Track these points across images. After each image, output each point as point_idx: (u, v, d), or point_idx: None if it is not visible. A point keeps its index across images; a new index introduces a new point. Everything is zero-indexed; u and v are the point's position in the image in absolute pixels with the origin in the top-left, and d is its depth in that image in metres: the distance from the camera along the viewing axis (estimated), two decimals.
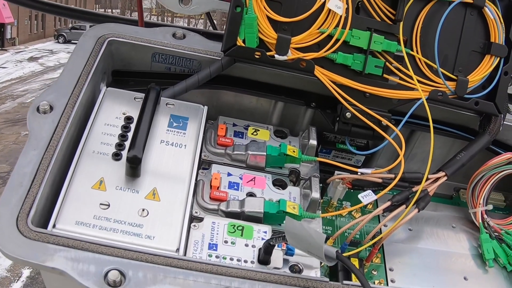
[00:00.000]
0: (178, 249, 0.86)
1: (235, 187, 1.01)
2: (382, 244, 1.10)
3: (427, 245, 1.14)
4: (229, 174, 1.02)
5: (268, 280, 0.83)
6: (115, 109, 1.00)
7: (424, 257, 1.11)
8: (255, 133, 1.10)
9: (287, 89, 1.11)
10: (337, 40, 1.03)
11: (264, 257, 0.90)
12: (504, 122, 1.15)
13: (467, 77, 1.09)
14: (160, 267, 0.81)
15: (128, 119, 0.98)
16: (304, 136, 1.11)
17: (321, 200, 1.11)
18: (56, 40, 24.22)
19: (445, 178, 1.06)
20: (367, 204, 1.11)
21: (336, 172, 1.08)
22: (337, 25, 1.03)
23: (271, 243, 0.87)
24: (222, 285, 0.81)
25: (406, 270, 1.08)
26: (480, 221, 1.16)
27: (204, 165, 1.04)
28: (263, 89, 1.11)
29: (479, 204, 1.16)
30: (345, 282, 0.85)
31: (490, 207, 1.17)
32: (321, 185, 1.08)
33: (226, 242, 0.92)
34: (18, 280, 4.15)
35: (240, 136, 1.09)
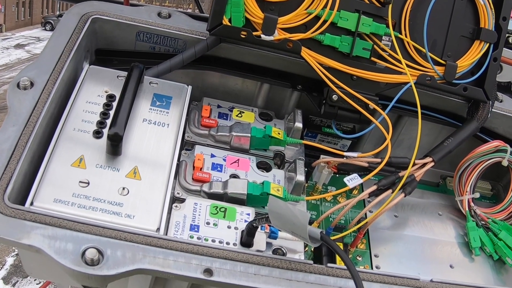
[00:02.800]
0: (158, 229, 0.84)
1: (219, 169, 0.99)
2: (368, 230, 1.08)
3: (413, 232, 1.12)
4: (212, 156, 1.00)
5: (250, 261, 0.81)
6: (97, 87, 0.97)
7: (410, 244, 1.10)
8: (240, 115, 1.08)
9: (273, 71, 1.09)
10: (324, 21, 1.01)
11: (247, 239, 0.88)
12: (493, 110, 1.14)
13: (456, 62, 1.08)
14: (139, 246, 0.79)
15: (110, 97, 0.96)
16: (289, 119, 1.09)
17: (306, 185, 1.10)
18: (43, 28, 23.66)
19: (432, 163, 1.04)
20: (353, 188, 1.10)
21: (322, 156, 1.06)
22: (325, 6, 1.01)
23: (254, 224, 0.86)
24: (203, 266, 0.79)
25: (391, 256, 1.07)
26: (467, 209, 1.15)
27: (187, 146, 1.02)
28: (249, 71, 1.09)
29: (466, 192, 1.15)
30: (329, 264, 0.83)
31: (477, 195, 1.16)
32: (306, 169, 1.06)
33: (208, 223, 0.90)
34: (1, 268, 4.10)
35: (225, 117, 1.07)
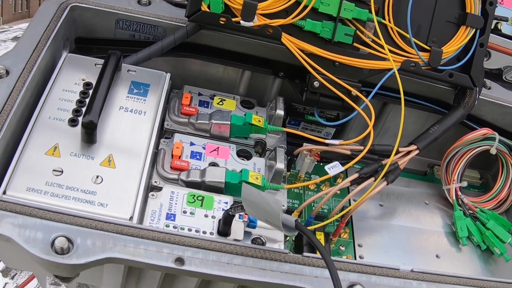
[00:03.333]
0: (131, 217, 0.83)
1: (198, 157, 0.98)
2: (352, 220, 1.07)
3: (398, 221, 1.11)
4: (191, 144, 0.99)
5: (224, 250, 0.79)
6: (75, 75, 0.96)
7: (395, 234, 1.08)
8: (221, 103, 1.06)
9: (255, 58, 1.08)
10: (305, 7, 0.99)
11: (224, 228, 0.87)
12: (481, 97, 1.11)
13: (442, 48, 1.05)
14: (110, 235, 0.77)
15: (87, 85, 0.95)
16: (271, 107, 1.07)
17: (288, 173, 1.08)
18: None
19: (417, 151, 1.02)
20: (337, 177, 1.08)
21: (305, 144, 1.04)
22: None
23: (230, 213, 0.84)
24: (174, 254, 0.77)
25: (376, 246, 1.05)
26: (454, 198, 1.13)
27: (167, 134, 1.01)
28: (230, 58, 1.07)
29: (453, 180, 1.13)
30: (305, 254, 0.82)
31: (465, 183, 1.14)
32: (288, 157, 1.05)
33: (185, 212, 0.89)
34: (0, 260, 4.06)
35: (206, 105, 1.05)
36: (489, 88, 1.16)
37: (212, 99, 1.07)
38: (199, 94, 1.07)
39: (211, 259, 0.78)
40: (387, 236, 1.07)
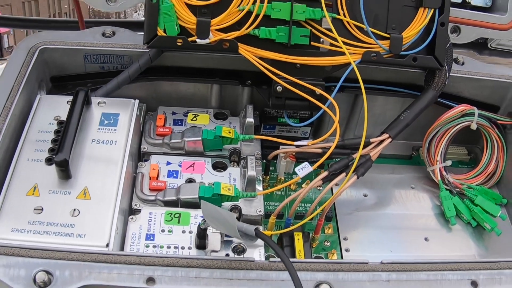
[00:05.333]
0: (108, 244, 0.88)
1: (174, 175, 1.02)
2: (335, 214, 1.09)
3: (384, 209, 1.12)
4: (168, 163, 1.04)
5: (191, 265, 0.83)
6: (49, 115, 1.02)
7: (381, 222, 1.10)
8: (194, 119, 1.10)
9: (221, 71, 1.11)
10: (257, 16, 1.01)
11: (199, 241, 0.91)
12: (454, 74, 1.11)
13: (402, 33, 1.05)
14: (85, 264, 0.83)
15: (61, 123, 1.01)
16: (243, 115, 1.10)
17: (267, 177, 1.11)
18: None
19: (389, 140, 1.03)
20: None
21: (281, 146, 1.07)
22: (256, 1, 1.01)
23: (201, 226, 0.88)
24: (145, 275, 0.82)
25: (361, 237, 1.07)
26: (439, 178, 1.13)
27: (145, 157, 1.06)
28: (198, 75, 1.11)
29: (437, 161, 1.13)
30: (271, 259, 0.85)
31: (449, 162, 1.14)
32: (265, 161, 1.08)
33: (163, 231, 0.93)
34: None
35: (180, 123, 1.10)
36: (462, 64, 1.15)
37: (186, 116, 1.11)
38: (173, 113, 1.11)
39: (179, 275, 0.82)
40: (372, 226, 1.09)
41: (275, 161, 1.11)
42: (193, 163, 1.04)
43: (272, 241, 0.83)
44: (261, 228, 0.98)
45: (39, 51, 1.07)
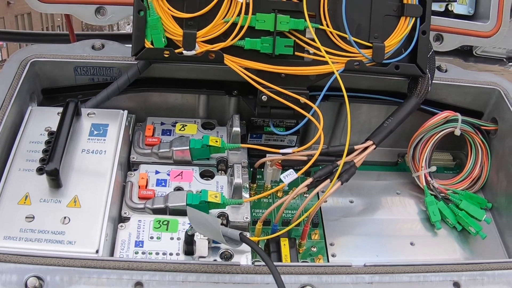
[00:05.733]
0: (97, 250, 0.90)
1: (163, 184, 1.04)
2: (321, 220, 1.11)
3: (370, 215, 1.14)
4: (157, 172, 1.06)
5: (178, 270, 0.85)
6: (40, 126, 1.04)
7: (367, 228, 1.11)
8: (182, 129, 1.13)
9: (208, 82, 1.14)
10: (242, 27, 1.04)
11: (187, 247, 0.93)
12: (437, 81, 1.13)
13: (384, 42, 1.08)
14: (76, 269, 0.85)
15: (51, 134, 1.03)
16: (230, 125, 1.13)
17: (254, 185, 1.13)
18: None
19: (373, 147, 1.05)
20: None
21: (267, 155, 1.09)
22: (240, 12, 1.04)
23: (188, 233, 0.90)
24: (133, 279, 0.84)
25: (348, 243, 1.09)
26: (424, 183, 1.15)
27: (135, 166, 1.08)
28: (185, 85, 1.14)
29: (421, 167, 1.15)
30: (256, 263, 0.87)
31: (434, 168, 1.16)
32: (251, 169, 1.10)
33: (152, 238, 0.95)
34: None
35: (168, 133, 1.12)
36: (446, 71, 1.17)
37: (174, 126, 1.13)
38: (162, 124, 1.14)
39: (167, 280, 0.84)
40: (358, 231, 1.11)
41: (262, 170, 1.13)
42: (181, 172, 1.06)
43: (256, 245, 0.85)
44: (248, 234, 1.00)
45: (30, 64, 1.09)
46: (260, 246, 1.04)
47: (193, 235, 0.91)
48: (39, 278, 0.83)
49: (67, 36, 1.37)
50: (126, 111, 1.08)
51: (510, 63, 1.50)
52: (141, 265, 0.85)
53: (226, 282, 0.85)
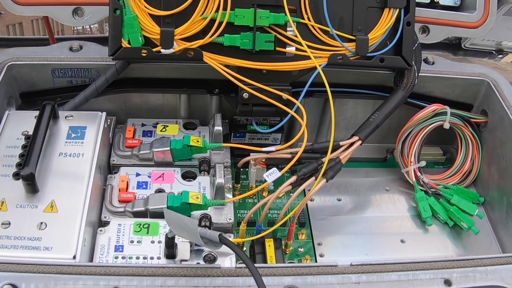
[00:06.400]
0: (75, 256, 0.87)
1: (144, 186, 1.02)
2: (308, 220, 1.08)
3: (358, 213, 1.11)
4: (137, 174, 1.03)
5: (156, 274, 0.82)
6: (16, 131, 1.02)
7: (356, 226, 1.09)
8: (164, 130, 1.10)
9: (189, 81, 1.11)
10: (220, 23, 1.01)
11: (168, 251, 0.90)
12: (423, 74, 1.11)
13: (368, 35, 1.05)
14: (51, 276, 0.82)
15: (28, 138, 1.00)
16: (212, 124, 1.10)
17: (238, 185, 1.11)
18: None
19: (359, 142, 1.02)
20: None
21: (251, 154, 1.06)
22: (218, 8, 1.01)
23: (168, 235, 0.87)
24: (110, 285, 0.81)
25: (336, 242, 1.06)
26: (414, 179, 1.12)
27: (115, 169, 1.06)
28: (166, 85, 1.11)
29: (410, 162, 1.12)
30: (237, 265, 0.84)
31: (423, 163, 1.13)
32: (235, 169, 1.07)
33: (132, 242, 0.93)
34: None
35: (149, 135, 1.09)
36: (433, 63, 1.15)
37: (155, 127, 1.11)
38: (142, 125, 1.11)
39: (145, 285, 0.81)
40: (347, 230, 1.08)
41: (246, 169, 1.10)
42: (163, 174, 1.03)
43: (236, 246, 0.83)
44: (232, 236, 0.97)
45: (7, 68, 1.07)
46: (244, 248, 1.02)
47: (173, 238, 0.89)
48: (13, 286, 0.80)
49: (47, 40, 1.35)
50: (104, 113, 1.05)
51: (500, 56, 1.47)
52: (118, 270, 0.83)
53: (207, 286, 0.82)
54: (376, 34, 1.06)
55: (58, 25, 3.07)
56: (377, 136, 1.12)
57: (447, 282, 0.85)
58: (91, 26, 2.81)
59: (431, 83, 1.14)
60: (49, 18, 1.22)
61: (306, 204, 1.10)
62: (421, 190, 1.11)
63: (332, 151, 0.99)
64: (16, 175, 0.96)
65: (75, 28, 2.85)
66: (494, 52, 1.45)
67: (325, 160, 0.98)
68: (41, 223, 0.90)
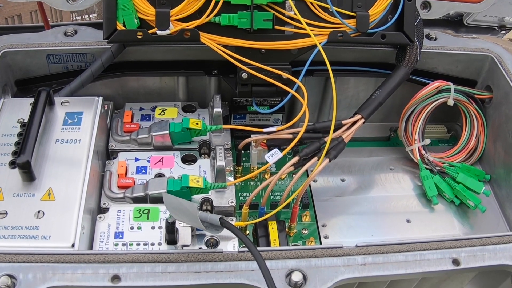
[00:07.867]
0: (73, 244, 0.86)
1: (143, 171, 1.00)
2: (312, 202, 1.06)
3: (363, 193, 1.09)
4: (136, 159, 1.01)
5: (157, 261, 0.81)
6: (12, 119, 1.00)
7: (360, 207, 1.07)
8: (162, 113, 1.08)
9: (186, 62, 1.09)
10: (217, 3, 0.99)
11: (169, 236, 0.89)
12: (426, 50, 1.08)
13: (368, 11, 1.03)
14: (49, 265, 0.80)
15: (24, 126, 0.98)
16: (211, 106, 1.08)
17: (240, 168, 1.09)
18: None
19: (362, 121, 1.00)
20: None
21: (252, 135, 1.04)
22: None
23: (169, 220, 0.86)
24: (110, 273, 0.80)
25: (341, 223, 1.04)
26: (419, 157, 1.10)
27: (114, 155, 1.04)
28: (163, 67, 1.09)
29: (415, 140, 1.10)
30: (240, 249, 0.82)
31: (428, 141, 1.11)
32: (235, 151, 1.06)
33: (132, 228, 0.91)
34: None
35: (148, 119, 1.07)
36: (435, 39, 1.12)
37: (154, 111, 1.09)
38: (141, 109, 1.09)
39: (145, 271, 0.80)
40: (351, 210, 1.06)
41: (248, 151, 1.08)
42: (162, 158, 1.01)
43: (237, 229, 0.81)
44: (234, 219, 0.96)
45: (1, 55, 1.05)
46: (247, 232, 1.00)
47: (174, 223, 0.87)
48: (11, 276, 0.79)
49: (43, 28, 1.32)
50: (101, 98, 1.03)
51: (502, 32, 1.44)
52: (117, 257, 0.81)
53: (208, 271, 0.81)
54: (377, 10, 1.03)
55: (56, 16, 3.05)
56: (380, 114, 1.09)
57: (455, 261, 0.83)
58: (90, 15, 2.78)
59: (434, 59, 1.11)
60: (43, 4, 1.20)
61: (309, 185, 1.08)
62: (426, 168, 1.09)
63: (335, 130, 0.97)
64: (12, 164, 0.94)
65: (74, 18, 2.82)
66: (496, 28, 1.43)
67: (328, 139, 0.96)
68: (39, 211, 0.89)
